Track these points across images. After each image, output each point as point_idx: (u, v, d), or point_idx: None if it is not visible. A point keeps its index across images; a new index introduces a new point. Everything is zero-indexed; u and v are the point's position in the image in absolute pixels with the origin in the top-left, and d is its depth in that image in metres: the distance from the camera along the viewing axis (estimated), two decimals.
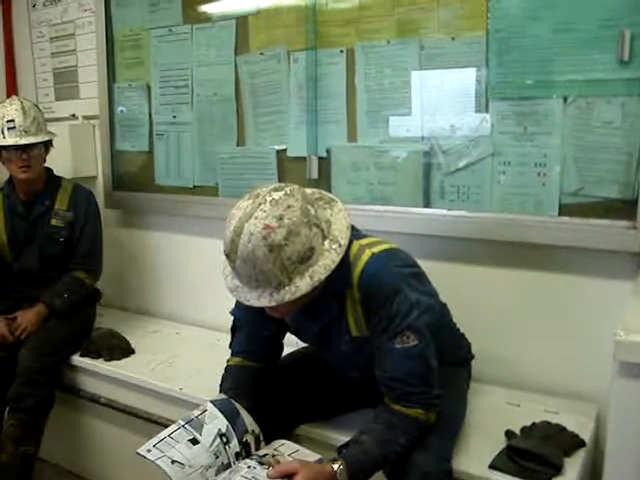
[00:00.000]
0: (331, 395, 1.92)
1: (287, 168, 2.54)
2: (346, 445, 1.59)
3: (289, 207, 1.45)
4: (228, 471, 1.53)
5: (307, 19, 2.40)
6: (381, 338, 1.59)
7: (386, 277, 1.57)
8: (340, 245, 1.52)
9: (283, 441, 1.67)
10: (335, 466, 1.50)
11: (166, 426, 2.03)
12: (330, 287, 1.59)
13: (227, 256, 1.50)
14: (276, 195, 1.46)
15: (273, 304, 1.48)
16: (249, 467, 1.52)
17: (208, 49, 2.71)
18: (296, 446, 1.65)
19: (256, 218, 1.43)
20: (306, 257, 1.46)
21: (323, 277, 1.48)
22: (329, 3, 2.35)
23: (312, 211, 1.50)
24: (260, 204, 1.45)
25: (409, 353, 1.56)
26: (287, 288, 1.46)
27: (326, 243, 1.51)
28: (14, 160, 2.58)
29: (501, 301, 2.18)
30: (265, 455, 1.58)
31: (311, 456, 1.60)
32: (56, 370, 2.58)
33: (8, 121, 2.56)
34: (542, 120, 2.01)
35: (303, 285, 1.46)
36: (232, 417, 1.63)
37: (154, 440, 1.56)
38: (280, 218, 1.43)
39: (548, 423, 1.84)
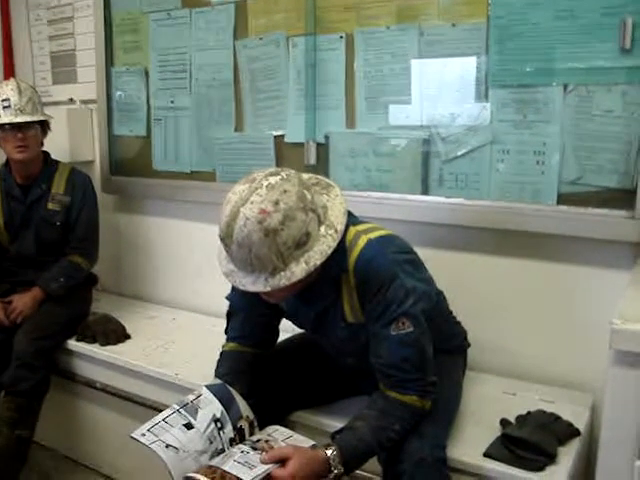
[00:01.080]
0: (326, 382, 1.92)
1: (285, 154, 2.53)
2: (340, 431, 1.59)
3: (285, 192, 1.44)
4: (221, 456, 1.52)
5: (307, 4, 2.38)
6: (376, 324, 1.58)
7: (382, 263, 1.57)
8: (336, 231, 1.51)
9: (277, 427, 1.67)
10: (328, 452, 1.50)
11: (161, 411, 2.04)
12: (326, 273, 1.58)
13: (222, 240, 1.49)
14: (272, 180, 1.45)
15: (268, 289, 1.47)
16: (242, 452, 1.51)
17: (207, 33, 2.69)
18: (290, 432, 1.65)
19: (252, 202, 1.42)
20: (302, 242, 1.46)
21: (319, 263, 1.47)
22: None
23: (308, 196, 1.50)
24: (256, 188, 1.44)
25: (404, 340, 1.56)
26: (282, 273, 1.45)
27: (322, 228, 1.50)
28: (10, 140, 2.57)
29: (498, 289, 2.18)
30: (258, 440, 1.58)
31: (305, 442, 1.60)
32: (52, 354, 2.58)
33: (3, 100, 2.55)
34: (542, 108, 1.99)
35: (298, 270, 1.46)
36: (227, 403, 1.63)
37: (148, 424, 1.56)
38: (276, 203, 1.42)
39: (543, 412, 1.84)
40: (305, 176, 1.61)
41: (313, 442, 1.60)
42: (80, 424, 2.76)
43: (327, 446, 1.52)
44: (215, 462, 1.49)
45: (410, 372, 1.57)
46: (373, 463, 1.64)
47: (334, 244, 1.50)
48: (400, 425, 1.57)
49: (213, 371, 1.86)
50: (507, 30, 2.01)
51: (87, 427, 2.74)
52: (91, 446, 2.75)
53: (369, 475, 1.76)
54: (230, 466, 1.45)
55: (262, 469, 1.44)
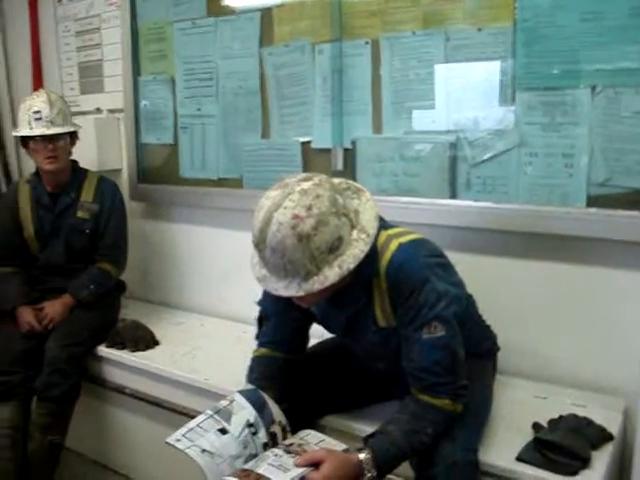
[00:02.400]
0: (356, 386, 1.92)
1: (312, 160, 2.54)
2: (372, 435, 1.59)
3: (318, 197, 1.45)
4: (255, 459, 1.53)
5: (332, 11, 2.39)
6: (408, 328, 1.59)
7: (414, 267, 1.57)
8: (368, 235, 1.52)
9: (309, 431, 1.67)
10: (361, 455, 1.50)
11: (190, 417, 2.05)
12: (357, 277, 1.59)
13: (256, 246, 1.50)
14: (305, 185, 1.47)
15: (301, 294, 1.48)
16: (276, 455, 1.52)
17: (232, 41, 2.71)
18: (322, 436, 1.66)
19: (285, 208, 1.43)
20: (334, 247, 1.46)
21: (352, 267, 1.48)
22: None
23: (340, 201, 1.51)
24: (289, 194, 1.45)
25: (436, 343, 1.56)
26: (315, 278, 1.46)
27: (354, 233, 1.51)
28: (40, 151, 2.61)
29: (528, 293, 2.17)
30: (291, 444, 1.59)
31: (337, 446, 1.60)
32: (82, 360, 2.61)
33: (35, 112, 2.58)
34: (569, 110, 1.98)
35: (332, 275, 1.46)
36: (260, 407, 1.63)
37: (183, 429, 1.57)
38: (309, 208, 1.43)
39: (575, 416, 1.82)
40: (336, 181, 1.61)
41: (345, 446, 1.60)
42: (110, 429, 2.79)
43: (360, 450, 1.52)
44: (249, 465, 1.50)
45: (442, 376, 1.57)
46: (405, 467, 1.64)
47: (366, 248, 1.50)
48: (432, 429, 1.56)
49: (242, 376, 1.87)
50: (533, 33, 2.01)
51: (117, 432, 2.77)
52: (120, 451, 2.78)
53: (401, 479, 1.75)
54: (264, 469, 1.46)
55: (296, 472, 1.45)
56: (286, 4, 2.52)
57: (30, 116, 2.58)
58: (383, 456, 1.52)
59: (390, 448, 1.53)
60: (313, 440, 1.62)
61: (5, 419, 2.43)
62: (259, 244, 1.48)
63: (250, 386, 1.74)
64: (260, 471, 1.45)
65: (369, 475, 1.49)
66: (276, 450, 1.55)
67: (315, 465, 1.47)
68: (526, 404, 1.99)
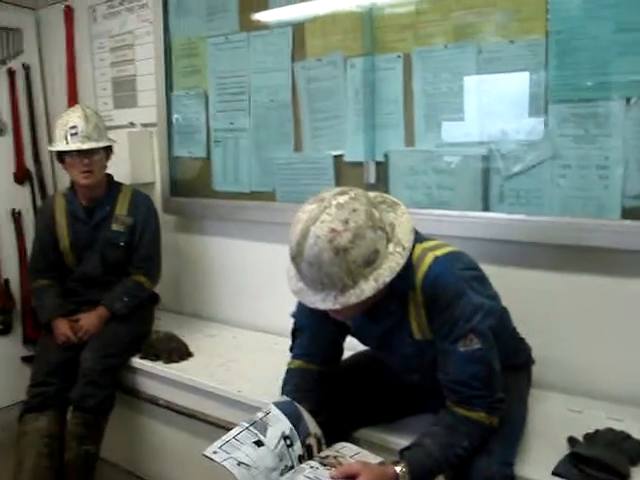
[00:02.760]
0: (391, 399, 1.92)
1: (344, 173, 2.55)
2: (408, 448, 1.59)
3: (354, 210, 1.46)
4: (291, 472, 1.54)
5: (364, 25, 2.41)
6: (444, 341, 1.59)
7: (449, 280, 1.57)
8: (404, 248, 1.53)
9: (345, 444, 1.67)
10: (397, 468, 1.50)
11: (224, 428, 2.08)
12: (393, 290, 1.59)
13: (293, 259, 1.52)
14: (341, 199, 1.48)
15: (338, 307, 1.49)
16: (311, 467, 1.52)
17: (265, 56, 2.73)
18: (357, 448, 1.65)
19: (322, 222, 1.44)
20: (371, 260, 1.47)
21: (388, 280, 1.49)
22: (385, 8, 2.36)
23: (376, 214, 1.52)
24: (326, 207, 1.46)
25: (472, 356, 1.56)
26: (352, 291, 1.47)
27: (390, 246, 1.52)
28: (76, 165, 2.65)
29: (562, 306, 2.15)
30: (327, 457, 1.59)
31: (372, 458, 1.60)
32: (117, 372, 2.64)
33: (71, 127, 2.63)
34: (603, 122, 1.97)
35: (368, 288, 1.47)
36: (295, 420, 1.64)
37: (219, 442, 1.57)
38: (346, 221, 1.44)
39: (612, 430, 1.80)
40: (372, 194, 1.62)
41: (381, 459, 1.60)
42: (144, 440, 2.81)
43: (396, 463, 1.52)
44: (285, 478, 1.51)
45: (478, 389, 1.57)
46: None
47: (402, 261, 1.51)
48: (468, 442, 1.56)
49: (275, 388, 1.88)
50: (566, 45, 2.00)
51: (150, 443, 2.79)
52: (154, 462, 2.80)
53: None
54: None
55: None
56: (318, 18, 2.55)
57: (66, 131, 2.63)
58: (419, 469, 1.51)
59: (426, 461, 1.53)
60: (349, 453, 1.62)
61: (42, 428, 2.47)
62: (296, 257, 1.50)
63: (285, 398, 1.74)
64: None
65: None
66: (312, 462, 1.56)
67: (351, 478, 1.47)
68: (561, 418, 1.97)
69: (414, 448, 1.57)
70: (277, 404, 1.69)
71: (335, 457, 1.58)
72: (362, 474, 1.46)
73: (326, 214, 1.45)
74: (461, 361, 1.57)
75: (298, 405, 1.69)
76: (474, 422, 1.57)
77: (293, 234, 1.49)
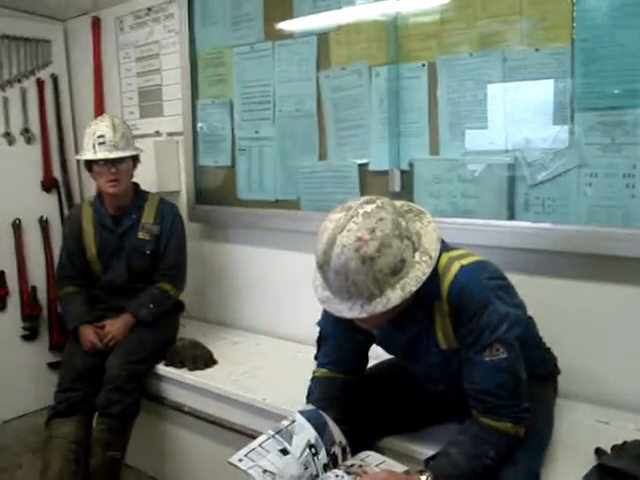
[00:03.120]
0: (415, 408, 1.91)
1: (369, 182, 2.55)
2: (434, 457, 1.58)
3: (381, 219, 1.47)
4: (302, 464, 1.54)
5: (388, 34, 2.41)
6: (470, 351, 1.58)
7: (475, 289, 1.57)
8: (431, 257, 1.53)
9: (369, 452, 1.67)
10: (423, 477, 1.50)
11: (248, 436, 2.08)
12: (419, 299, 1.59)
13: (320, 268, 1.52)
14: (368, 208, 1.49)
15: (364, 315, 1.49)
16: (337, 476, 1.53)
17: (289, 65, 2.75)
18: (382, 457, 1.66)
19: (349, 230, 1.45)
20: (397, 269, 1.48)
21: (414, 289, 1.49)
22: (410, 17, 2.37)
23: (403, 223, 1.52)
24: (352, 216, 1.47)
25: (499, 366, 1.55)
26: (378, 300, 1.48)
27: (417, 255, 1.52)
28: (104, 174, 2.68)
29: (588, 316, 2.13)
30: (352, 465, 1.59)
31: (397, 467, 1.60)
32: (142, 378, 2.67)
33: (99, 136, 2.66)
34: (631, 130, 1.95)
35: (394, 297, 1.48)
36: (320, 428, 1.64)
37: (245, 450, 1.58)
38: (372, 230, 1.45)
39: None
40: (398, 203, 1.63)
41: (406, 467, 1.59)
42: (168, 447, 2.83)
43: (421, 472, 1.52)
44: (297, 473, 1.52)
45: (505, 398, 1.56)
46: None
47: (429, 270, 1.51)
48: (494, 452, 1.55)
49: (299, 396, 1.89)
50: (593, 52, 1.99)
51: (175, 450, 2.80)
52: (178, 469, 2.81)
53: None
54: None
55: None
56: (343, 27, 2.56)
57: (94, 140, 2.66)
58: (444, 479, 1.51)
59: (452, 471, 1.53)
60: (374, 461, 1.62)
61: (69, 434, 2.50)
62: (323, 266, 1.50)
63: (311, 406, 1.75)
64: None
65: None
66: (337, 471, 1.56)
67: None
68: (587, 429, 1.95)
69: (440, 457, 1.57)
70: (302, 412, 1.69)
71: (360, 466, 1.59)
72: None
73: (353, 223, 1.46)
74: (487, 371, 1.56)
75: (323, 413, 1.69)
76: (500, 432, 1.57)
77: (320, 243, 1.50)
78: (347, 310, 1.51)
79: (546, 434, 1.78)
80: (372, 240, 1.44)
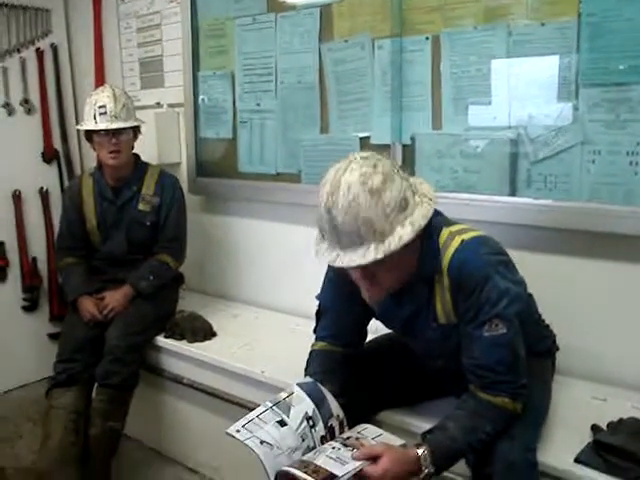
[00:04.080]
0: (413, 382, 1.92)
1: None
2: (431, 431, 1.59)
3: (379, 160, 1.50)
4: (313, 451, 1.55)
5: (392, 6, 2.38)
6: (469, 325, 1.58)
7: (476, 264, 1.56)
8: (431, 199, 1.55)
9: (366, 425, 1.68)
10: (419, 451, 1.50)
11: (246, 408, 2.09)
12: (420, 273, 1.60)
13: (327, 212, 1.48)
14: (364, 154, 1.52)
15: (380, 256, 1.45)
16: (334, 448, 1.53)
17: (292, 37, 2.72)
18: (379, 430, 1.66)
19: (352, 170, 1.46)
20: (403, 206, 1.48)
21: (423, 224, 1.49)
22: None
23: (399, 168, 1.55)
24: (351, 161, 1.49)
25: (497, 341, 1.55)
26: (390, 238, 1.46)
27: (417, 197, 1.54)
28: (104, 145, 2.67)
29: (588, 293, 2.13)
30: (349, 438, 1.59)
31: (394, 440, 1.60)
32: (141, 349, 2.68)
33: (100, 106, 2.65)
34: (636, 107, 1.94)
35: (405, 233, 1.46)
36: (319, 401, 1.65)
37: (242, 421, 1.58)
38: (375, 166, 1.47)
39: (637, 420, 1.78)
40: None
41: (403, 441, 1.60)
42: (167, 418, 2.85)
43: (418, 445, 1.52)
44: (307, 457, 1.52)
45: (503, 374, 1.56)
46: (462, 466, 1.64)
47: (432, 209, 1.53)
48: (491, 427, 1.56)
49: (298, 370, 1.89)
50: (599, 27, 1.96)
51: (173, 421, 2.83)
52: (176, 440, 2.83)
53: (458, 478, 1.76)
54: (323, 461, 1.47)
55: (354, 465, 1.46)
56: (346, 0, 2.52)
57: (95, 110, 2.65)
58: (441, 452, 1.52)
59: (449, 444, 1.54)
60: (371, 434, 1.62)
61: (69, 404, 2.51)
62: (331, 210, 1.47)
63: (309, 379, 1.75)
64: (319, 462, 1.46)
65: (426, 471, 1.50)
66: (334, 443, 1.56)
67: (373, 459, 1.48)
68: (584, 405, 1.96)
69: (437, 431, 1.57)
70: (301, 385, 1.69)
71: (357, 438, 1.59)
72: (384, 455, 1.47)
73: (353, 164, 1.47)
74: (486, 346, 1.56)
75: (321, 386, 1.70)
76: (498, 407, 1.57)
77: (323, 189, 1.49)
78: (361, 257, 1.47)
79: (543, 409, 1.79)
80: (376, 174, 1.45)
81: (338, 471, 1.44)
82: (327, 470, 1.44)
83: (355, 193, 1.43)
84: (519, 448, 1.56)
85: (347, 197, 1.44)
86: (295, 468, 1.46)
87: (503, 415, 1.58)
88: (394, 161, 1.58)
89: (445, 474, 1.64)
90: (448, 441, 1.54)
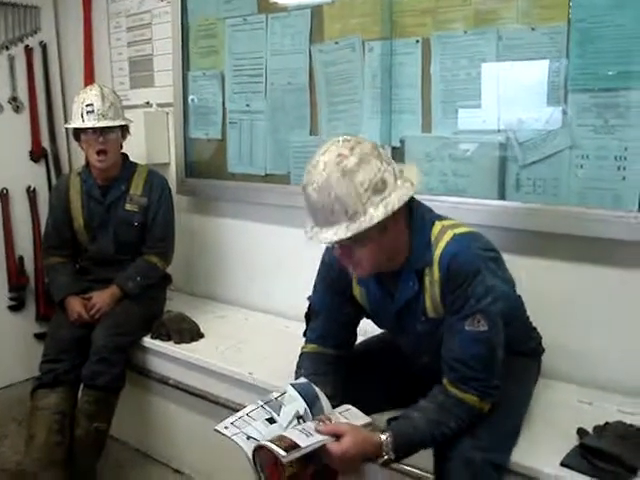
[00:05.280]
0: (402, 382, 1.90)
1: None
2: (396, 418, 1.62)
3: (359, 142, 1.55)
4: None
5: (383, 9, 2.39)
6: (453, 317, 1.61)
7: (467, 257, 1.58)
8: (412, 184, 1.58)
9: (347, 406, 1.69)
10: (383, 436, 1.54)
11: (233, 409, 2.08)
12: (410, 265, 1.64)
13: (303, 189, 1.56)
14: (348, 137, 1.57)
15: (349, 235, 1.50)
16: (301, 423, 1.56)
17: (282, 38, 2.72)
18: (348, 406, 1.67)
19: (330, 151, 1.52)
20: (379, 189, 1.51)
21: (397, 207, 1.51)
22: None
23: (383, 152, 1.59)
24: (333, 143, 1.55)
25: (477, 337, 1.57)
26: (362, 218, 1.50)
27: (399, 181, 1.56)
28: (91, 144, 2.65)
29: (575, 296, 2.14)
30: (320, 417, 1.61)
31: (360, 419, 1.63)
32: (128, 350, 2.66)
33: (87, 105, 2.64)
34: (624, 112, 1.95)
35: (377, 214, 1.50)
36: (311, 401, 1.64)
37: (232, 418, 1.59)
38: (352, 148, 1.52)
39: (623, 423, 1.78)
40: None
41: (369, 419, 1.64)
42: (153, 419, 2.83)
43: (382, 431, 1.55)
44: (272, 429, 1.55)
45: (476, 370, 1.58)
46: (424, 460, 1.67)
47: (410, 193, 1.56)
48: (455, 423, 1.58)
49: (287, 372, 1.89)
50: (589, 33, 1.97)
51: (160, 422, 2.81)
52: (162, 441, 2.82)
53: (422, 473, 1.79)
54: (289, 432, 1.49)
55: (317, 439, 1.48)
56: (337, 1, 2.53)
57: (83, 109, 2.64)
58: (403, 441, 1.55)
59: (411, 433, 1.57)
60: (338, 410, 1.64)
61: (53, 405, 2.49)
62: (307, 186, 1.54)
63: (303, 379, 1.75)
64: (285, 434, 1.49)
65: (386, 457, 1.54)
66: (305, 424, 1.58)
67: (337, 437, 1.50)
68: (570, 408, 1.97)
69: (402, 419, 1.60)
70: (294, 385, 1.69)
71: (327, 416, 1.61)
72: (348, 435, 1.50)
73: (334, 146, 1.54)
74: (465, 340, 1.59)
75: (316, 387, 1.69)
76: (465, 404, 1.60)
77: (305, 170, 1.56)
78: (332, 235, 1.52)
79: (518, 412, 1.80)
80: (351, 155, 1.50)
81: (302, 442, 1.45)
82: (292, 440, 1.45)
83: (329, 172, 1.49)
84: (480, 447, 1.58)
85: (322, 175, 1.50)
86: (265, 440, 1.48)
87: (469, 413, 1.60)
88: (378, 146, 1.60)
89: (409, 469, 1.72)
90: (411, 429, 1.57)
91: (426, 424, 1.57)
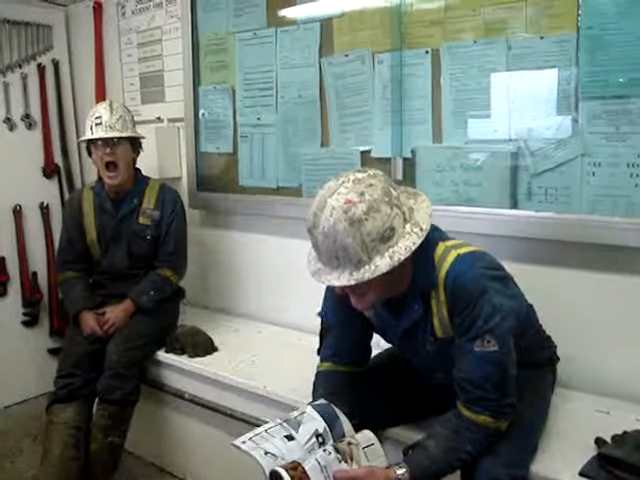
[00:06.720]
0: (417, 397, 1.90)
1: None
2: (412, 447, 1.60)
3: (371, 185, 1.48)
4: (305, 450, 1.56)
5: (392, 20, 2.40)
6: (462, 338, 1.59)
7: (471, 278, 1.56)
8: (422, 229, 1.52)
9: (365, 431, 1.67)
10: (399, 472, 1.51)
11: (248, 423, 2.08)
12: (415, 287, 1.61)
13: (309, 231, 1.53)
14: (359, 175, 1.51)
15: (352, 282, 1.47)
16: (324, 451, 1.54)
17: (292, 51, 2.73)
18: (372, 438, 1.64)
19: (338, 194, 1.47)
20: (386, 237, 1.47)
21: (403, 258, 1.48)
22: (414, 4, 2.35)
23: (394, 193, 1.52)
24: (343, 182, 1.49)
25: (487, 358, 1.55)
26: (367, 267, 1.47)
27: (407, 226, 1.52)
28: (100, 156, 2.68)
29: (591, 305, 2.12)
30: (342, 441, 1.60)
31: (381, 459, 1.61)
32: (142, 364, 2.67)
33: (96, 117, 2.68)
34: (636, 119, 1.94)
35: (383, 264, 1.47)
36: (331, 421, 1.64)
37: (250, 433, 1.59)
38: (361, 194, 1.46)
39: None
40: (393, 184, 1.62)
41: (387, 462, 1.61)
42: (168, 433, 2.83)
43: (398, 465, 1.53)
44: (299, 457, 1.52)
45: (488, 391, 1.56)
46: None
47: (419, 241, 1.50)
48: (472, 446, 1.56)
49: (302, 384, 1.90)
50: (598, 40, 1.97)
51: (175, 436, 2.81)
52: (178, 455, 2.82)
53: None
54: (310, 467, 1.48)
55: None
56: (346, 14, 2.54)
57: (92, 122, 2.69)
58: (420, 472, 1.53)
59: (428, 465, 1.54)
60: (363, 442, 1.62)
61: (69, 419, 2.50)
62: (312, 229, 1.51)
63: (323, 400, 1.74)
64: (307, 467, 1.47)
65: None
66: (327, 446, 1.56)
67: None
68: (588, 418, 1.95)
69: (417, 450, 1.59)
70: (314, 405, 1.69)
71: (349, 443, 1.59)
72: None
73: (343, 187, 1.47)
74: (475, 361, 1.56)
75: (335, 408, 1.69)
76: (479, 426, 1.57)
77: (311, 207, 1.52)
78: (336, 279, 1.50)
79: (537, 424, 1.78)
80: (360, 203, 1.45)
81: None
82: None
83: (336, 219, 1.45)
84: (504, 465, 1.56)
85: (329, 221, 1.46)
86: (284, 468, 1.47)
87: (485, 434, 1.57)
88: (391, 183, 1.56)
89: None
90: (427, 461, 1.54)
91: (441, 452, 1.56)
